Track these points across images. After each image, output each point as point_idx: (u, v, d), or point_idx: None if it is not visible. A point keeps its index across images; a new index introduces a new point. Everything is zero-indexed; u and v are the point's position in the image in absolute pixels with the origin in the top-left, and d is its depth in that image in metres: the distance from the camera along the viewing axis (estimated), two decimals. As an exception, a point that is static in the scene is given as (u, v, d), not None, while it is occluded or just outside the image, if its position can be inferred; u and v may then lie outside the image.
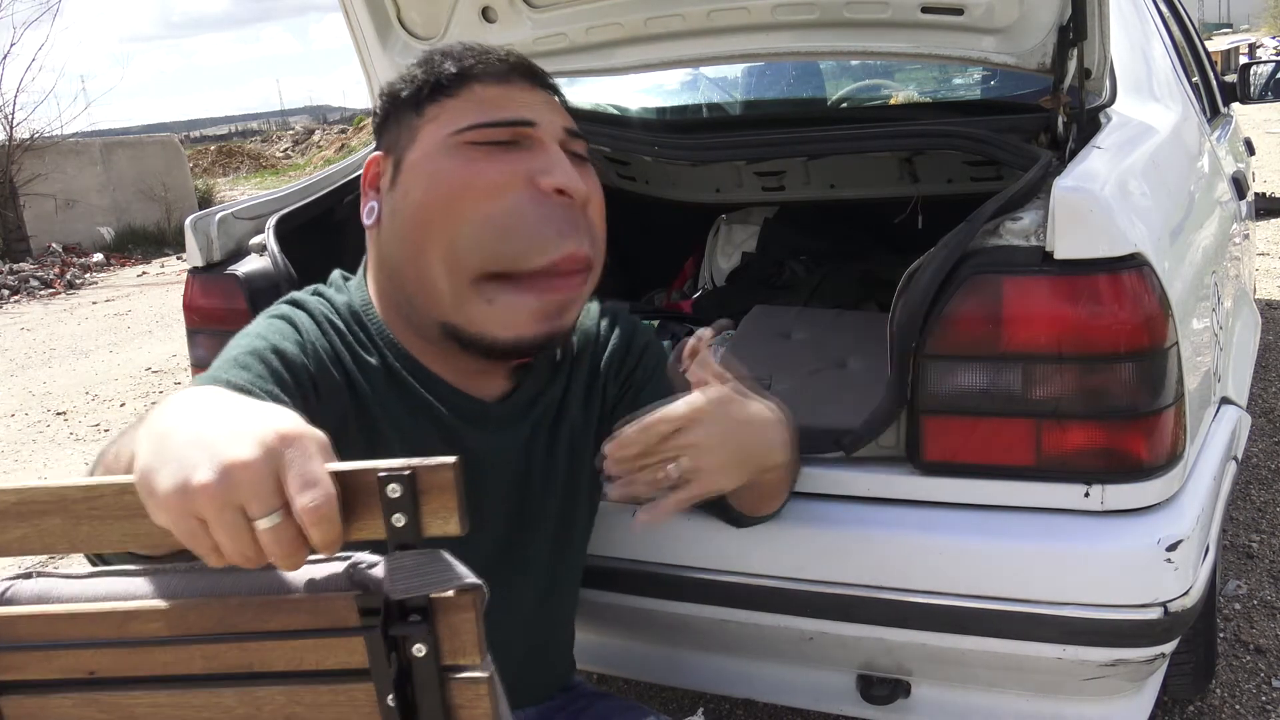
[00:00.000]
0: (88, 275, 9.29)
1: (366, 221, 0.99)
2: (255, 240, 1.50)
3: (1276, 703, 1.74)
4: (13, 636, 0.54)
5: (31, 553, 0.52)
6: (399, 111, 0.98)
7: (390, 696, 0.52)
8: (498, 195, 0.92)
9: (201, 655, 0.53)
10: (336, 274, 1.05)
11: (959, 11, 1.35)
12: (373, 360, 0.95)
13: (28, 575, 0.56)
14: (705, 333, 0.92)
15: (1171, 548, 1.06)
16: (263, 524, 0.49)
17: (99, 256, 10.10)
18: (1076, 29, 1.25)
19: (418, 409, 0.96)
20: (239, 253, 1.50)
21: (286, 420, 0.53)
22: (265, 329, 0.90)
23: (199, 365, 1.53)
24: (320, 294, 1.00)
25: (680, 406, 0.85)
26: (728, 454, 0.88)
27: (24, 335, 6.53)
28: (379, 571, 0.52)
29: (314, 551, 0.51)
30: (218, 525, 0.50)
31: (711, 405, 0.86)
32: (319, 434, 0.52)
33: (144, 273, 9.47)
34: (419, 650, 0.51)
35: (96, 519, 0.51)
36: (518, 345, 0.94)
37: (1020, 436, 1.09)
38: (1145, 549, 1.06)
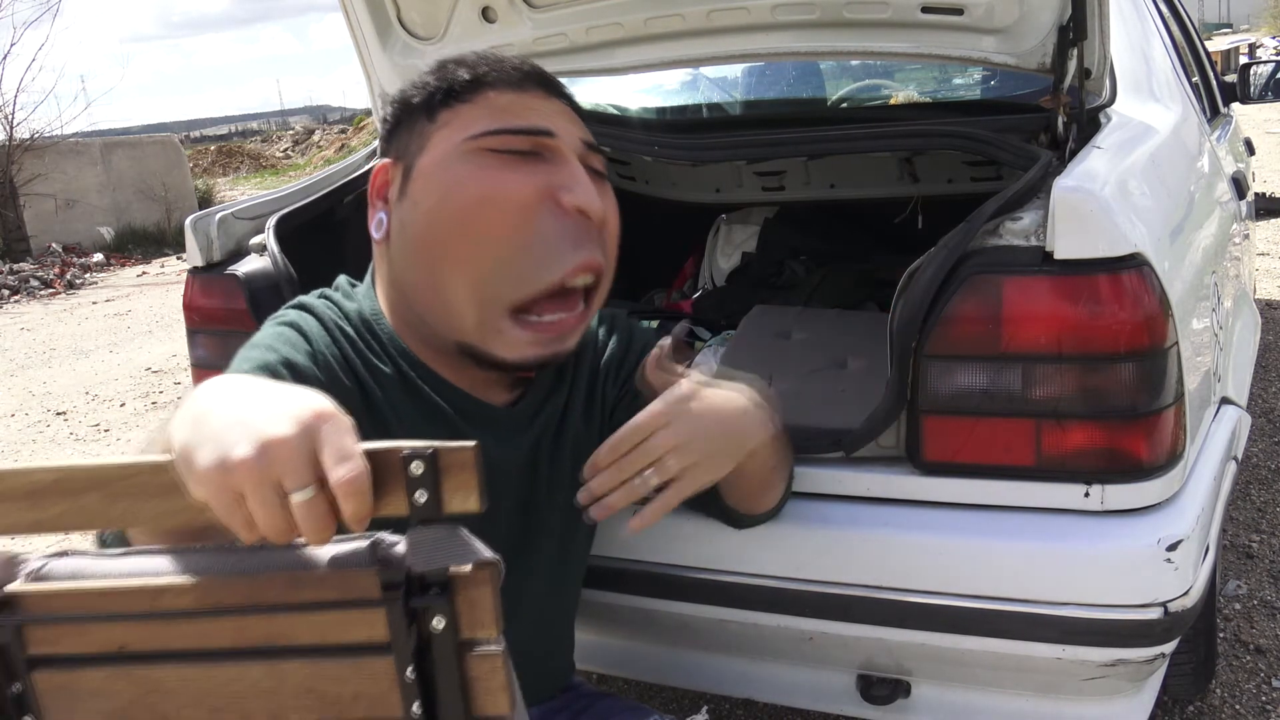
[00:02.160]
0: (88, 275, 9.29)
1: (375, 235, 0.97)
2: (255, 240, 1.50)
3: (1276, 703, 1.74)
4: (47, 611, 0.55)
5: (70, 528, 0.53)
6: (410, 117, 0.97)
7: (409, 670, 0.53)
8: (521, 214, 0.90)
9: (229, 629, 0.54)
10: (343, 279, 1.03)
11: (959, 11, 1.35)
12: (386, 368, 0.95)
13: (62, 553, 0.57)
14: (666, 342, 0.95)
15: (1171, 548, 1.06)
16: (297, 497, 0.51)
17: (99, 256, 10.10)
18: (1076, 29, 1.25)
19: (431, 414, 0.96)
20: (239, 253, 1.50)
21: (319, 400, 0.55)
22: (274, 339, 0.89)
23: (199, 365, 1.53)
24: (328, 298, 0.99)
25: (643, 415, 0.88)
26: (706, 445, 0.90)
27: (24, 335, 6.53)
28: (400, 549, 0.53)
29: (340, 529, 0.53)
30: (255, 499, 0.52)
31: (675, 404, 0.89)
32: (348, 416, 0.55)
33: (144, 273, 9.48)
34: (438, 623, 0.53)
35: (132, 496, 0.53)
36: (520, 364, 0.95)
37: (1020, 436, 1.09)
38: (1145, 549, 1.06)
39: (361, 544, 0.54)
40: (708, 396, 0.92)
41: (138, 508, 0.53)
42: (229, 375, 0.64)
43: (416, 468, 0.51)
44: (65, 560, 0.57)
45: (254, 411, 0.54)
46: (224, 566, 0.55)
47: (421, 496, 0.52)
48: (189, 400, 0.59)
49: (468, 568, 0.53)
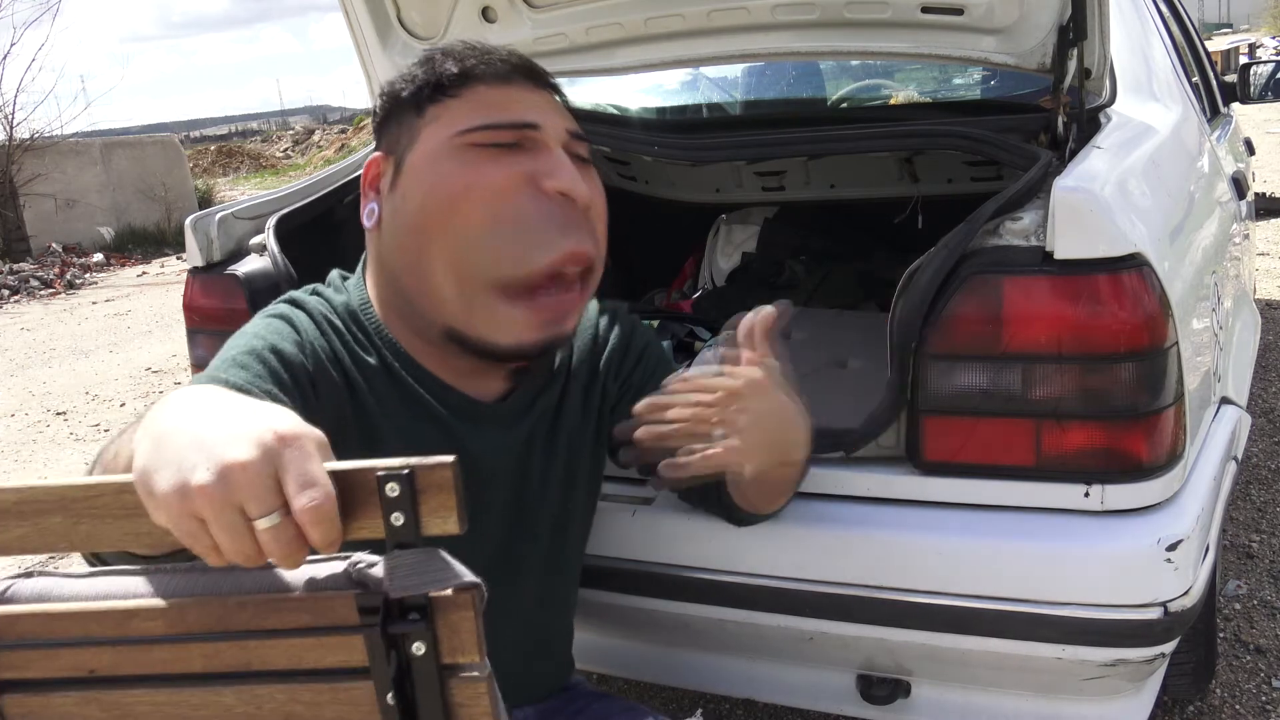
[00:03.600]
0: (88, 275, 9.28)
1: (367, 223, 0.98)
2: (255, 240, 1.50)
3: (1276, 703, 1.74)
4: (14, 635, 0.54)
5: (32, 551, 0.52)
6: (400, 111, 0.98)
7: (390, 695, 0.52)
8: (500, 197, 0.91)
9: (201, 654, 0.53)
10: (335, 274, 1.04)
11: (959, 11, 1.35)
12: (371, 360, 0.95)
13: (28, 574, 0.56)
14: (784, 305, 0.91)
15: (1171, 548, 1.06)
16: (262, 524, 0.49)
17: (99, 256, 10.09)
18: (1076, 29, 1.25)
19: (416, 408, 0.96)
20: (239, 253, 1.50)
21: (284, 420, 0.53)
22: (263, 328, 0.90)
23: (199, 365, 1.53)
24: (319, 293, 0.99)
25: (728, 380, 0.86)
26: (756, 437, 0.88)
27: (24, 335, 6.53)
28: (378, 571, 0.52)
29: (314, 551, 0.51)
30: (217, 525, 0.50)
31: (753, 385, 0.87)
32: (317, 433, 0.53)
33: (144, 273, 9.47)
34: (418, 649, 0.51)
35: (96, 518, 0.51)
36: (518, 351, 0.94)
37: (1020, 436, 1.09)
38: (1145, 549, 1.06)
39: (338, 567, 0.53)
40: (777, 394, 0.89)
41: (102, 530, 0.52)
42: (193, 389, 0.61)
43: (392, 489, 0.49)
44: (31, 581, 0.55)
45: (215, 433, 0.52)
46: (195, 588, 0.53)
47: (398, 519, 0.49)
48: (150, 415, 0.57)
49: (448, 591, 0.51)
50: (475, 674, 0.52)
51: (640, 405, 0.87)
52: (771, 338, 0.89)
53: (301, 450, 0.51)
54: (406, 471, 0.49)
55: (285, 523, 0.50)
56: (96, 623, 0.53)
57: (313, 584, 0.53)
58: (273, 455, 0.50)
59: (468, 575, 0.51)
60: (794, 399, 0.93)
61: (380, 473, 0.49)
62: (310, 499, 0.49)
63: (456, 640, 0.51)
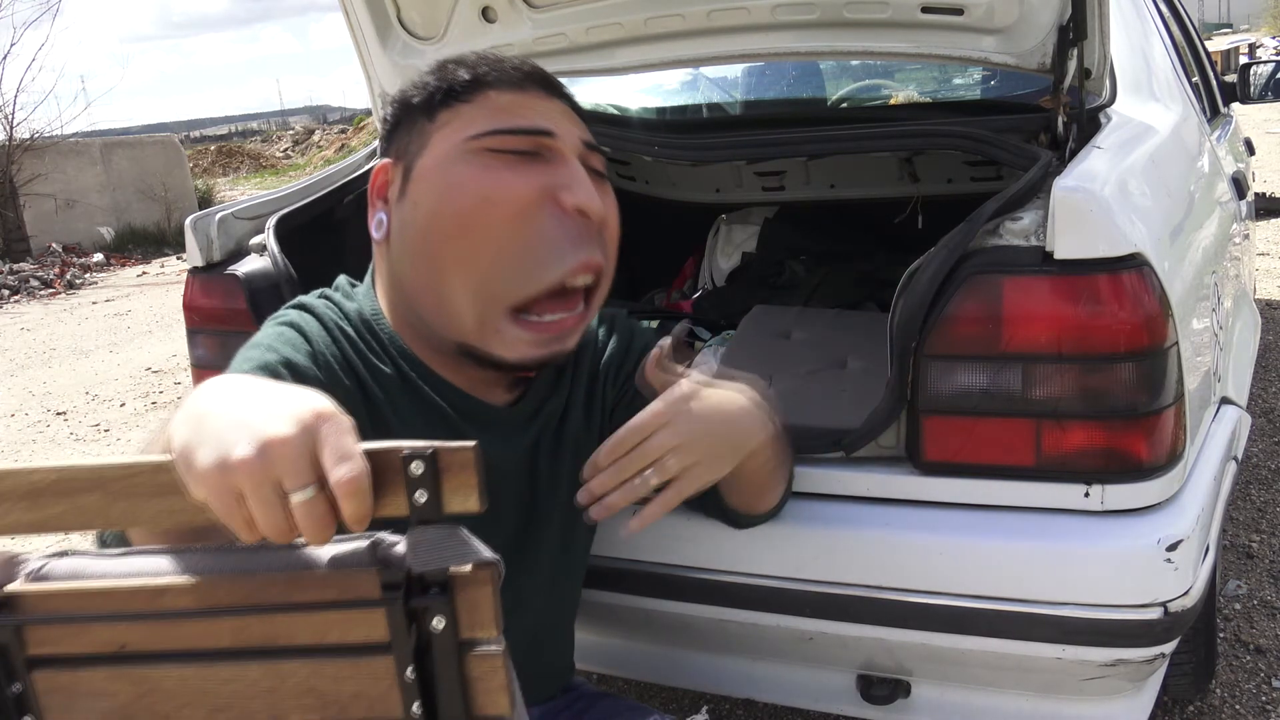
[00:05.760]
0: (88, 275, 9.29)
1: (375, 235, 0.97)
2: (255, 240, 1.50)
3: (1276, 703, 1.74)
4: (47, 611, 0.55)
5: (69, 529, 0.53)
6: (410, 117, 0.97)
7: (409, 669, 0.53)
8: (521, 215, 0.90)
9: (229, 629, 0.54)
10: (343, 279, 1.03)
11: (959, 12, 1.35)
12: (387, 369, 0.95)
13: (62, 553, 0.57)
14: (666, 342, 0.95)
15: (1171, 548, 1.06)
16: (297, 498, 0.51)
17: (99, 256, 10.10)
18: (1076, 29, 1.25)
19: (431, 414, 0.96)
20: (239, 253, 1.50)
21: (320, 400, 0.55)
22: (274, 339, 0.89)
23: (199, 365, 1.53)
24: (328, 298, 0.99)
25: (643, 415, 0.89)
26: (707, 445, 0.91)
27: (24, 335, 6.53)
28: (400, 549, 0.54)
29: (340, 530, 0.53)
30: (255, 499, 0.52)
31: (675, 403, 0.89)
32: (348, 416, 0.55)
33: (144, 273, 9.47)
34: (438, 623, 0.53)
35: (133, 496, 0.53)
36: (521, 365, 0.95)
37: (1020, 436, 1.09)
38: (1145, 549, 1.06)
39: (361, 544, 0.55)
40: (708, 396, 0.92)
41: (138, 507, 0.53)
42: (229, 375, 0.64)
43: (416, 468, 0.51)
44: (65, 560, 0.57)
45: (254, 411, 0.54)
46: (224, 566, 0.55)
47: (421, 496, 0.52)
48: (189, 400, 0.59)
49: (468, 568, 0.53)
50: (492, 648, 0.54)
51: (581, 493, 0.90)
52: (667, 363, 0.94)
53: (338, 427, 0.53)
54: (430, 451, 0.51)
55: (319, 497, 0.52)
56: (128, 599, 0.55)
57: (337, 561, 0.54)
58: (310, 431, 0.53)
59: (487, 552, 0.53)
60: (736, 388, 0.96)
61: (405, 452, 0.52)
62: (348, 470, 0.51)
63: (475, 615, 0.53)
